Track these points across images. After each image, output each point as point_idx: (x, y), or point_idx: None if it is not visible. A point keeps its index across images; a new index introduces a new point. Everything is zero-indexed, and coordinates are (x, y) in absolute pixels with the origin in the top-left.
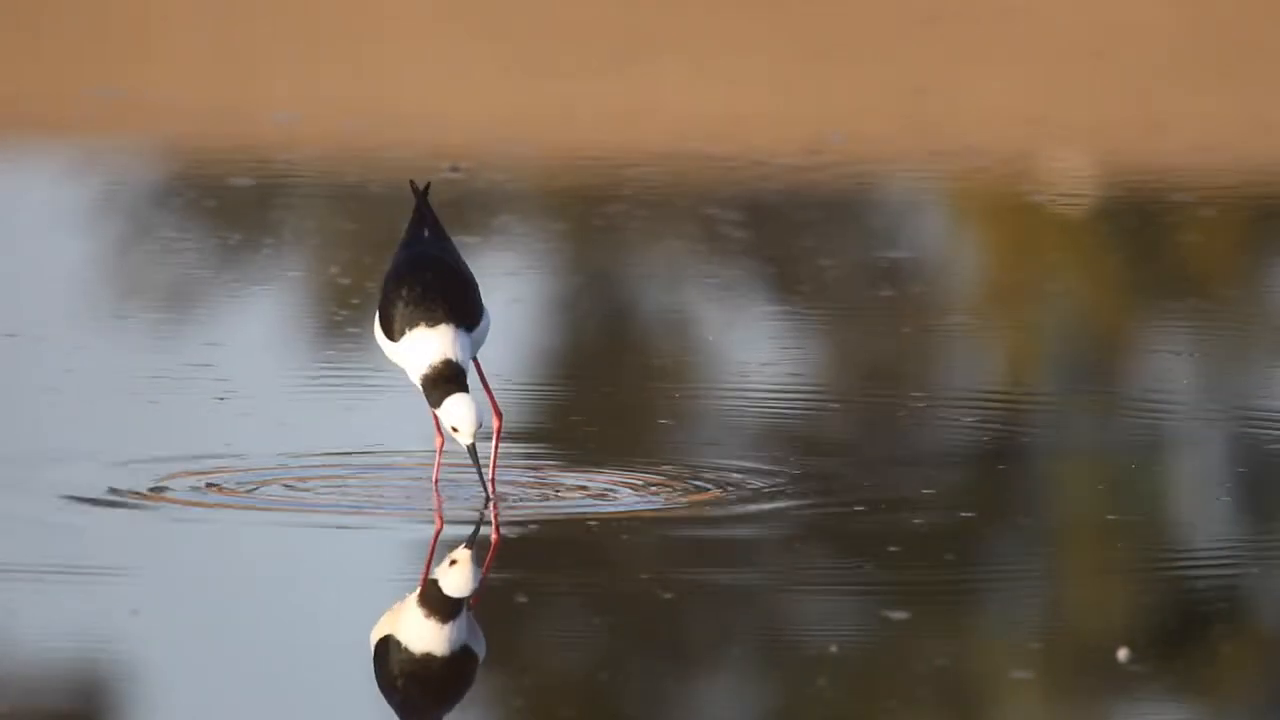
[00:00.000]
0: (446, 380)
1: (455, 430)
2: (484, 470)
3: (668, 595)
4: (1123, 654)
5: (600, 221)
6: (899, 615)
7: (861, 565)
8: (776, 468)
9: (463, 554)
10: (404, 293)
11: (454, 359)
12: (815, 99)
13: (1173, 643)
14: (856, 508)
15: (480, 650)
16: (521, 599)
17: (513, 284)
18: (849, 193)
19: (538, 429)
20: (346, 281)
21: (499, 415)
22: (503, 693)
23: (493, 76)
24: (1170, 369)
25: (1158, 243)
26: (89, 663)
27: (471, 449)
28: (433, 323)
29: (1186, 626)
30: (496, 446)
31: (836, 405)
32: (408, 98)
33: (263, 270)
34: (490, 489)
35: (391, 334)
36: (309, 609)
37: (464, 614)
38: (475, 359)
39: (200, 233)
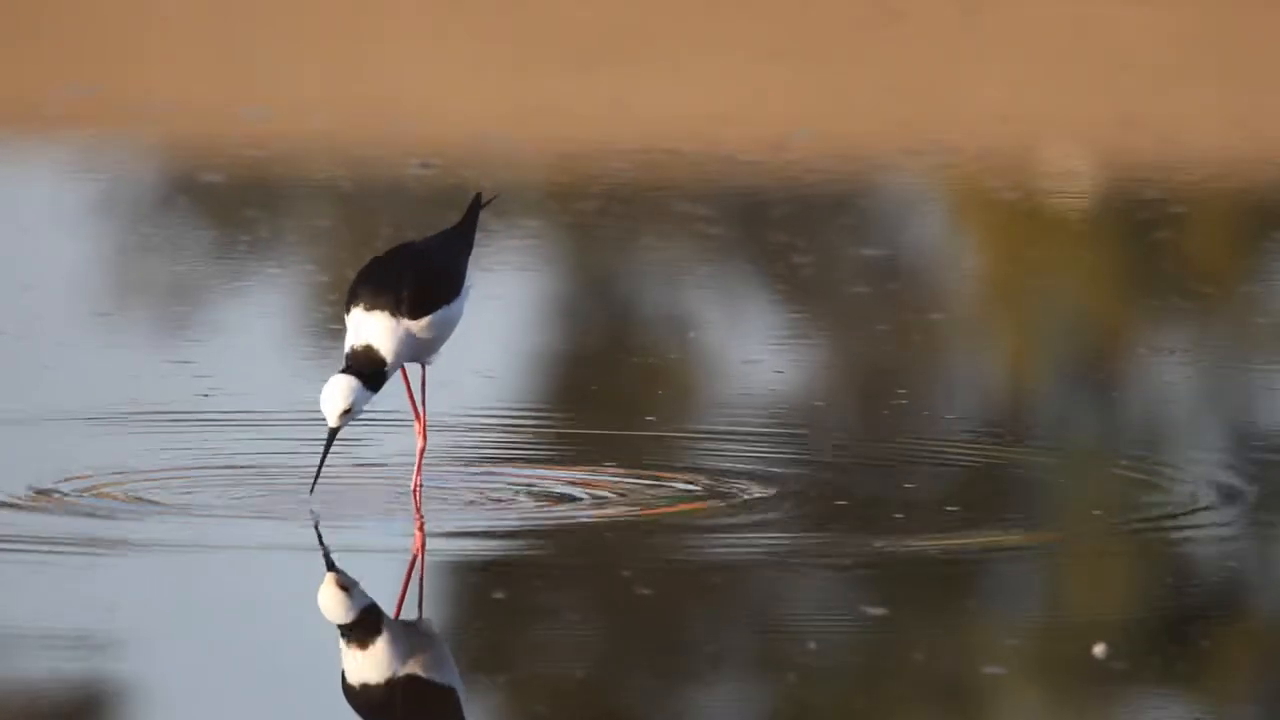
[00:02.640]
0: (350, 362)
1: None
2: (323, 460)
3: (647, 592)
4: (1099, 650)
5: (573, 218)
6: (878, 611)
7: (845, 561)
8: (759, 467)
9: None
10: (360, 271)
11: (374, 345)
12: (785, 97)
13: (1152, 639)
14: (840, 503)
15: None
16: (500, 596)
17: (488, 280)
18: (820, 190)
19: (509, 424)
20: (325, 278)
21: (424, 438)
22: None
23: (466, 75)
24: (1156, 366)
25: (1129, 236)
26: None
27: (330, 434)
28: (370, 307)
29: (1166, 622)
30: (420, 466)
31: (819, 403)
32: (382, 94)
33: (241, 267)
34: (314, 483)
35: (345, 308)
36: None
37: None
38: (424, 367)
39: (178, 230)
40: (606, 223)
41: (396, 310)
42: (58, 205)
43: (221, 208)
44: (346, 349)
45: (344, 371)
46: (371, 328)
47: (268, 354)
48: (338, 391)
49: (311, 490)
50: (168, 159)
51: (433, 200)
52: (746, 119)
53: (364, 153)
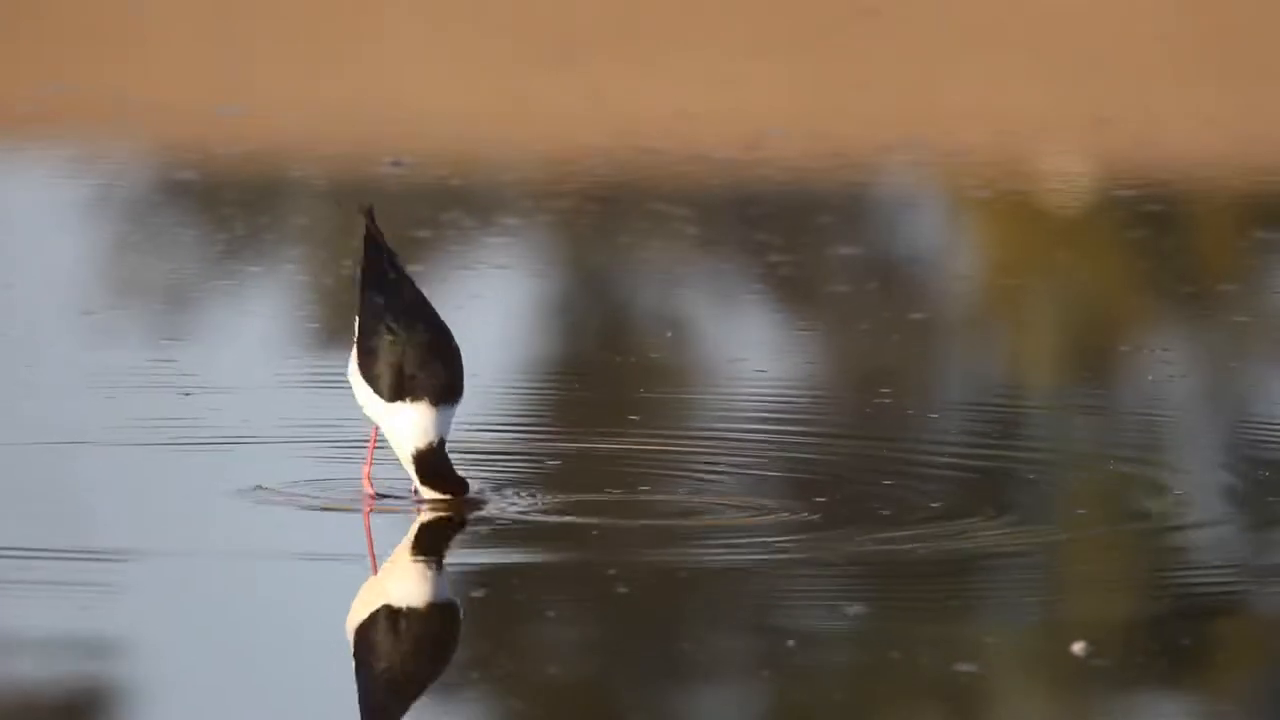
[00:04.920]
0: (439, 465)
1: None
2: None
3: (624, 590)
4: (1079, 647)
5: (549, 216)
6: (858, 610)
7: (829, 560)
8: (741, 465)
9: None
10: (402, 354)
11: (443, 439)
12: (760, 95)
13: (1133, 638)
14: (819, 500)
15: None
16: (481, 593)
17: (463, 279)
18: (796, 188)
19: (494, 427)
20: (303, 277)
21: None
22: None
23: (440, 72)
24: (1142, 364)
25: (1108, 234)
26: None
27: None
28: (434, 401)
29: (1148, 621)
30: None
31: (801, 399)
32: (356, 92)
33: (219, 266)
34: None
35: (382, 393)
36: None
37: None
38: None
39: (156, 228)
40: (582, 221)
41: (450, 400)
42: (33, 204)
43: (197, 206)
44: (416, 446)
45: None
46: (434, 423)
47: (250, 352)
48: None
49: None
50: (144, 157)
51: (405, 199)
52: (721, 116)
53: (337, 151)
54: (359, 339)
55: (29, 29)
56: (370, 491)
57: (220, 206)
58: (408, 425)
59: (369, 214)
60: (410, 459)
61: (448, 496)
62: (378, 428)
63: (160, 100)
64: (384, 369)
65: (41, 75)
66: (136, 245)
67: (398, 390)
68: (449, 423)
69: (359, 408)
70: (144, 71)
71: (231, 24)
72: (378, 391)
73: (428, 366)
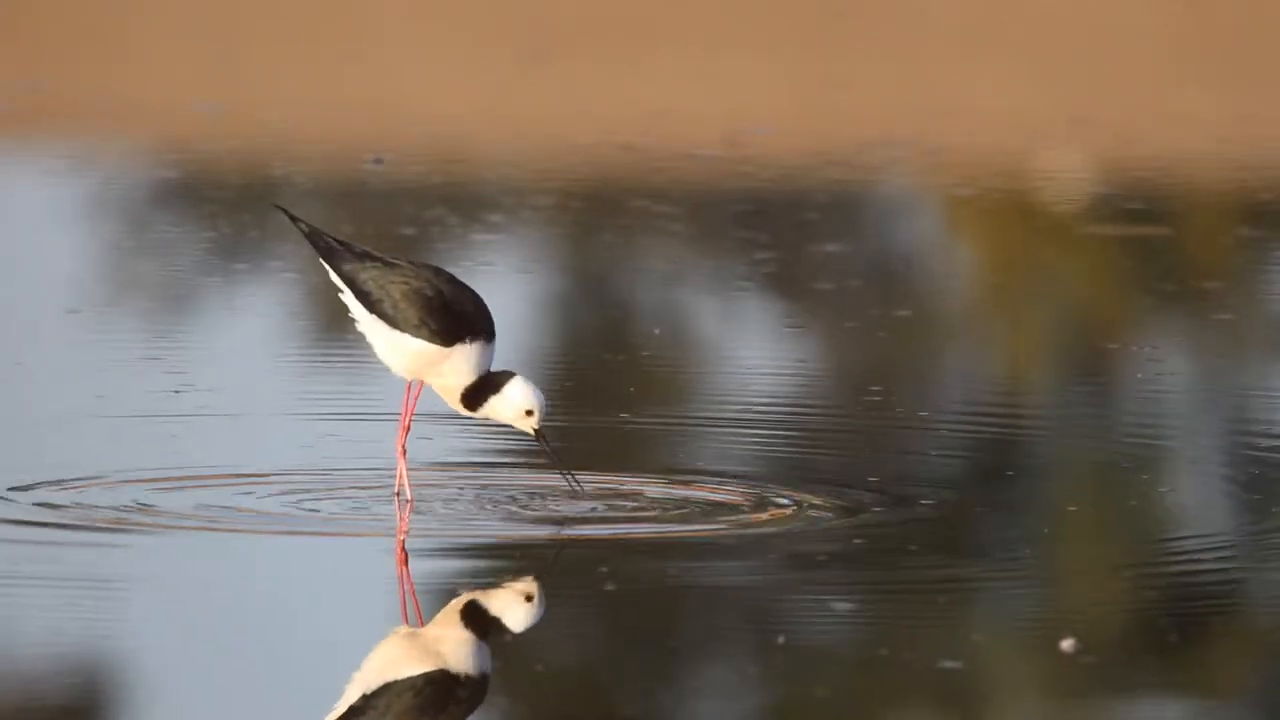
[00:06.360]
0: (494, 375)
1: (530, 414)
2: (560, 462)
3: (614, 590)
4: (1068, 644)
5: (531, 214)
6: (847, 605)
7: (816, 556)
8: (728, 464)
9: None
10: (440, 294)
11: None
12: (740, 92)
13: (1121, 634)
14: (806, 495)
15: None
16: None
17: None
18: (777, 185)
19: (484, 428)
20: (288, 274)
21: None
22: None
23: (420, 70)
24: (1129, 362)
25: (1091, 231)
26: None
27: (541, 435)
28: (488, 337)
29: (1138, 617)
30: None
31: (787, 395)
32: (337, 91)
33: (204, 263)
34: (572, 479)
35: (436, 338)
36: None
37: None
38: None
39: (137, 226)
40: (566, 218)
41: (493, 335)
42: (17, 202)
43: (180, 203)
44: (472, 377)
45: (509, 375)
46: (487, 356)
47: (240, 350)
48: (535, 389)
49: (580, 489)
50: (127, 155)
51: (386, 196)
52: (704, 114)
53: (319, 148)
54: (372, 304)
55: (23, 27)
56: (409, 497)
57: (203, 203)
58: (463, 365)
59: (286, 212)
60: (460, 399)
61: (530, 385)
62: (411, 386)
63: (142, 98)
64: (426, 315)
65: (25, 73)
66: (121, 242)
67: (453, 331)
68: (492, 357)
69: (397, 375)
70: (127, 69)
71: (214, 23)
72: (429, 339)
73: (470, 301)
